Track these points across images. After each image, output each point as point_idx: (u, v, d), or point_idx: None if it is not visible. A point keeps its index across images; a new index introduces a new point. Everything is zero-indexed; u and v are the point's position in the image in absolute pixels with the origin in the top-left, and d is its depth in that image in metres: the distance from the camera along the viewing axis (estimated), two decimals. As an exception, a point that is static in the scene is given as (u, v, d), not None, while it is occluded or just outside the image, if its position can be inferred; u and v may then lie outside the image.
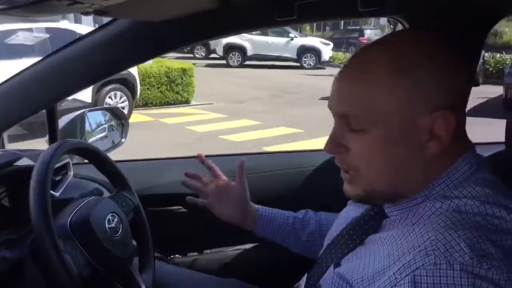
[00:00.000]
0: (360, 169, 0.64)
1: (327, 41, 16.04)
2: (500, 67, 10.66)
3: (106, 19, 0.97)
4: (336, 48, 16.69)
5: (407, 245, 0.59)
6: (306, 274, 0.84)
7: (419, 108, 0.59)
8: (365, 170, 0.64)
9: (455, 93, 0.61)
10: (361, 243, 0.70)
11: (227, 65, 14.52)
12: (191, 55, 15.76)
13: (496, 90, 9.00)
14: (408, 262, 0.56)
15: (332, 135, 0.65)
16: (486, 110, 7.21)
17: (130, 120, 1.81)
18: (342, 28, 21.74)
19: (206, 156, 1.08)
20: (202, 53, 16.35)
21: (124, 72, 6.42)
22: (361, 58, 0.65)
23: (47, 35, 6.22)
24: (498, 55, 12.41)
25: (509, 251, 0.54)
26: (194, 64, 9.50)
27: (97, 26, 1.04)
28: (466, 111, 0.66)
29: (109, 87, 6.70)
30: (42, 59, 1.04)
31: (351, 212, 0.81)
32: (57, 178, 1.14)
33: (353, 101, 0.61)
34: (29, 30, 6.20)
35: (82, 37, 1.01)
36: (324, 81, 12.27)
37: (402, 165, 0.62)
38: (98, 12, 0.71)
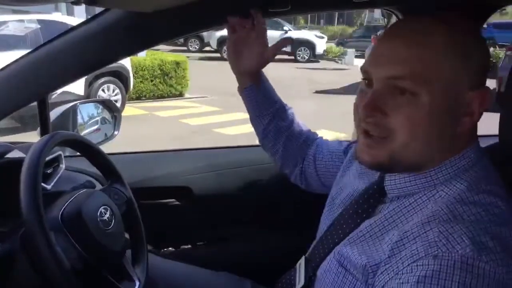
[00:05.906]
0: (397, 133, 0.63)
1: (321, 34, 16.00)
2: (494, 61, 10.68)
3: (99, 11, 0.96)
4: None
5: (410, 232, 0.60)
6: (303, 257, 0.84)
7: (465, 82, 0.63)
8: (402, 134, 0.63)
9: (485, 75, 0.67)
10: (356, 226, 0.72)
11: (221, 58, 14.43)
12: (185, 48, 15.65)
13: (489, 84, 9.02)
14: (410, 252, 0.57)
15: (372, 97, 0.65)
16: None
17: (123, 114, 1.80)
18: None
19: (201, 148, 1.08)
20: (196, 46, 16.24)
21: (117, 64, 6.37)
22: (416, 27, 0.65)
23: (39, 27, 6.14)
24: (491, 48, 12.46)
25: (506, 244, 0.55)
26: (188, 57, 9.42)
27: (89, 17, 1.03)
28: None
29: (102, 79, 6.63)
30: (32, 50, 1.02)
31: (349, 187, 0.83)
32: (49, 171, 1.13)
33: (409, 64, 0.62)
34: (20, 22, 6.11)
35: (73, 28, 0.99)
36: (318, 75, 12.33)
37: (438, 134, 0.64)
38: (89, 2, 0.70)
